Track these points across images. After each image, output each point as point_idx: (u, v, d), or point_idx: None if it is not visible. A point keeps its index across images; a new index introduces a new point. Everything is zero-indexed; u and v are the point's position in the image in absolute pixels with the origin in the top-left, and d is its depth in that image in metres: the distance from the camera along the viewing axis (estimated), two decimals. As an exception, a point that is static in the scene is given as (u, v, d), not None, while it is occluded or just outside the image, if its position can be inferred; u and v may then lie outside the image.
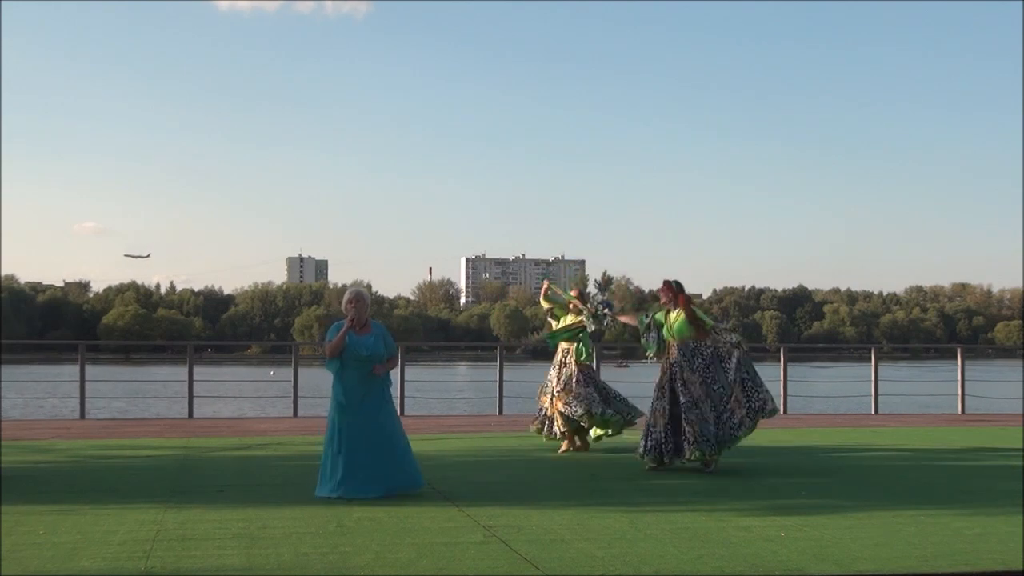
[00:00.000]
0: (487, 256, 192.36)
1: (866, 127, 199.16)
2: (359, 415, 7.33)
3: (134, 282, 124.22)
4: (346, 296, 7.63)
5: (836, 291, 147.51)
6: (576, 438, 10.37)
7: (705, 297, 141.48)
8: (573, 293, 10.60)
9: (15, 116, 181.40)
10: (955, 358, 17.23)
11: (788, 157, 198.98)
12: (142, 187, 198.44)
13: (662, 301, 9.45)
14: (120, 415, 20.04)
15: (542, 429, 10.49)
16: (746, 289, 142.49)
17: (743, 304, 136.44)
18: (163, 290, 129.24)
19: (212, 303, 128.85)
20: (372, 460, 7.25)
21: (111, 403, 23.28)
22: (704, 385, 8.99)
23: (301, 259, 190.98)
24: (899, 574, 5.05)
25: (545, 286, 10.79)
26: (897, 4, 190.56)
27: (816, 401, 19.57)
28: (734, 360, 9.03)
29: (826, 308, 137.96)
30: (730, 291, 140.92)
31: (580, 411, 10.09)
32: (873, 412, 16.77)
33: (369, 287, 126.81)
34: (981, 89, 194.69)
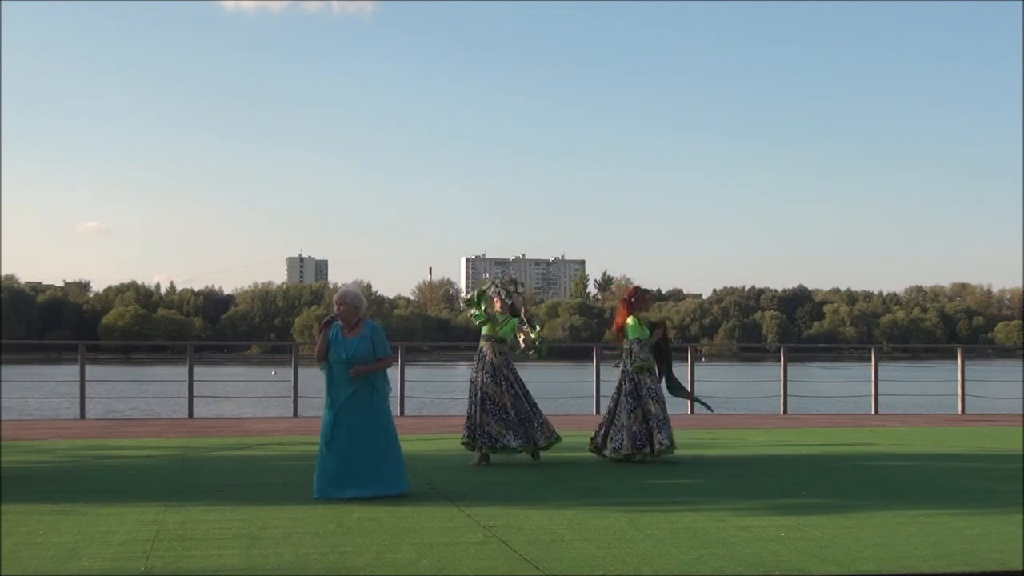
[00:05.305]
0: (487, 256, 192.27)
1: (866, 127, 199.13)
2: (343, 416, 7.27)
3: (134, 282, 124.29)
4: (335, 296, 7.57)
5: (836, 291, 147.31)
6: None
7: (705, 297, 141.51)
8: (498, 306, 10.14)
9: (15, 116, 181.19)
10: (955, 358, 17.25)
11: (788, 157, 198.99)
12: (143, 187, 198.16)
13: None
14: (120, 415, 20.06)
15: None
16: (746, 289, 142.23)
17: (743, 304, 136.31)
18: (163, 290, 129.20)
19: (212, 303, 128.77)
20: (353, 461, 7.19)
21: (111, 403, 23.28)
22: None
23: (301, 259, 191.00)
24: (899, 574, 5.05)
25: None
26: (897, 4, 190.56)
27: (816, 401, 19.55)
28: None
29: (826, 308, 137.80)
30: (730, 291, 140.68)
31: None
32: (873, 412, 16.79)
33: (369, 287, 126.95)
34: (981, 89, 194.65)
